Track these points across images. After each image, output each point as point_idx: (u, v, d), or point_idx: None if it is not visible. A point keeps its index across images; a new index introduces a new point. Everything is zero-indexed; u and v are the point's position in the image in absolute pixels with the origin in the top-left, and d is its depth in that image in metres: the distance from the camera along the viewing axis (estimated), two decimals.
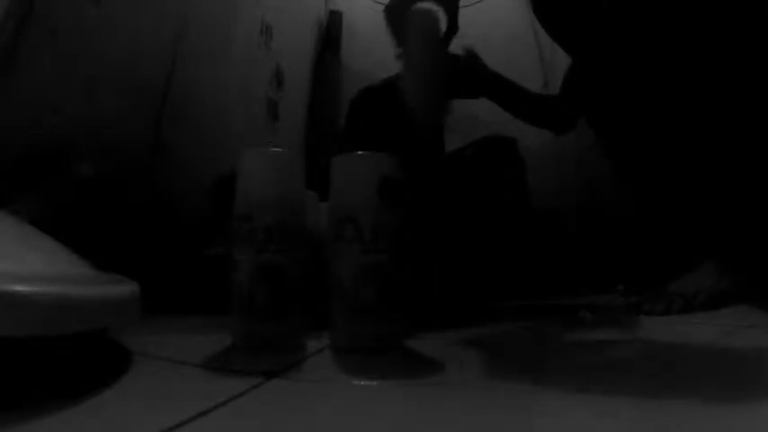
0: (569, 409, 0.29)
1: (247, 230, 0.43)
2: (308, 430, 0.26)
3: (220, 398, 0.29)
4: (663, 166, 0.74)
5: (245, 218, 0.44)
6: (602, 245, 1.03)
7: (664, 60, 0.65)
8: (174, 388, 0.33)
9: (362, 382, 0.35)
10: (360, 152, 0.46)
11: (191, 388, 0.33)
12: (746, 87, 0.64)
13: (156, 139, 0.80)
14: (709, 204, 0.71)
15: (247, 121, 1.06)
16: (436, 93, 0.72)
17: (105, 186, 0.66)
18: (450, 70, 0.80)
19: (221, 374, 0.37)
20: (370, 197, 0.44)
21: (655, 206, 0.81)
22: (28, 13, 0.58)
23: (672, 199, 0.76)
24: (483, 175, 0.79)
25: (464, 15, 1.49)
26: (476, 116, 1.29)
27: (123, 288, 0.35)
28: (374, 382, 0.35)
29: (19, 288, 0.25)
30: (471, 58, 0.87)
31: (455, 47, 0.83)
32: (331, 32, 1.47)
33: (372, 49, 1.48)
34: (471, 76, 0.86)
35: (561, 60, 0.90)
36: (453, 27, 0.77)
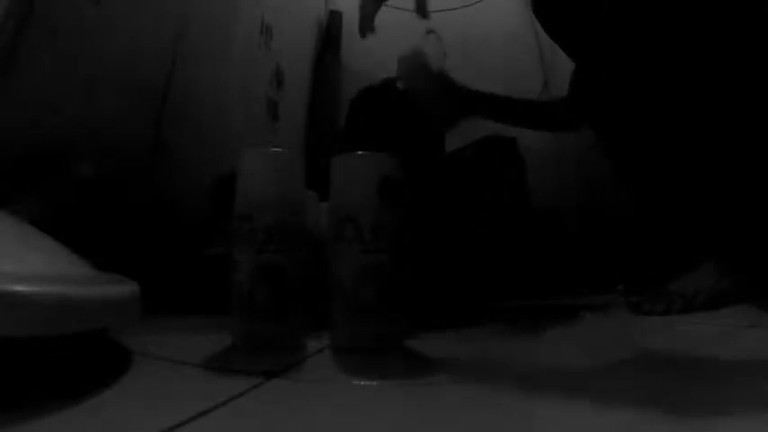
0: (569, 409, 0.29)
1: (247, 230, 0.43)
2: (308, 430, 0.26)
3: (220, 398, 0.29)
4: (663, 167, 0.74)
5: (245, 218, 0.44)
6: (602, 245, 1.03)
7: (664, 61, 0.65)
8: (174, 388, 0.33)
9: (362, 382, 0.35)
10: (360, 152, 0.46)
11: (191, 388, 0.33)
12: (746, 87, 0.64)
13: (156, 139, 0.80)
14: (708, 204, 0.71)
15: (247, 121, 1.06)
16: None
17: (105, 186, 0.66)
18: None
19: (221, 374, 0.37)
20: (370, 197, 0.44)
21: (655, 206, 0.81)
22: (28, 13, 0.58)
23: (672, 199, 0.76)
24: (483, 175, 0.79)
25: (464, 15, 1.49)
26: None
27: (123, 288, 0.35)
28: (374, 382, 0.35)
29: (19, 288, 0.25)
30: (444, 80, 0.86)
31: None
32: (331, 32, 1.47)
33: (372, 49, 1.48)
34: (447, 99, 0.84)
35: (561, 60, 0.90)
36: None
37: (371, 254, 0.43)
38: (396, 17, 1.51)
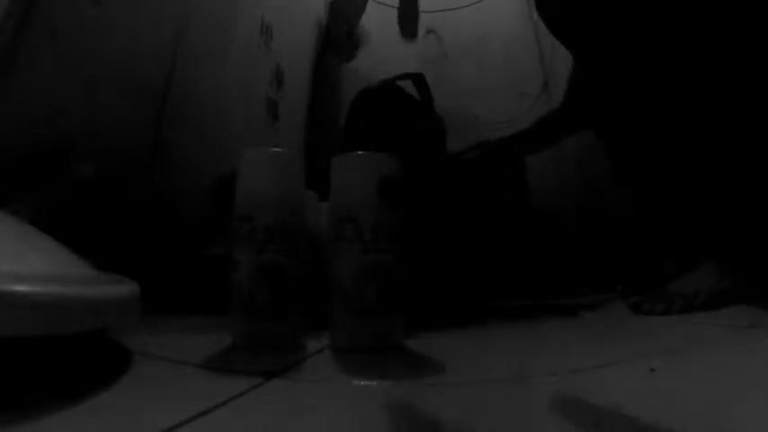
0: (569, 410, 0.29)
1: (247, 230, 0.43)
2: (308, 430, 0.26)
3: (220, 398, 0.29)
4: (663, 167, 0.74)
5: (245, 218, 0.44)
6: (602, 245, 1.03)
7: (664, 61, 0.65)
8: (174, 388, 0.33)
9: (362, 382, 0.35)
10: (360, 152, 0.46)
11: (191, 388, 0.33)
12: (746, 87, 0.64)
13: (156, 139, 0.80)
14: (708, 204, 0.71)
15: (247, 121, 1.06)
16: None
17: (105, 186, 0.66)
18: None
19: (221, 374, 0.37)
20: (370, 197, 0.44)
21: (655, 206, 0.81)
22: (28, 13, 0.58)
23: (672, 199, 0.76)
24: (483, 175, 0.79)
25: (464, 15, 1.49)
26: (476, 116, 1.30)
27: (123, 288, 0.35)
28: (374, 382, 0.35)
29: (19, 288, 0.25)
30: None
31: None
32: (331, 32, 1.47)
33: (372, 48, 1.48)
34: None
35: (561, 60, 0.90)
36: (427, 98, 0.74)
37: (371, 254, 0.43)
38: (396, 17, 1.51)
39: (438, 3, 1.50)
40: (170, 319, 0.55)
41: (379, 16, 1.50)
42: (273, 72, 1.18)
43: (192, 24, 0.88)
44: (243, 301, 0.43)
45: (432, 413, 0.28)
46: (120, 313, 0.33)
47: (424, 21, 1.50)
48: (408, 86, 0.79)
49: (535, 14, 0.72)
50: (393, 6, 1.51)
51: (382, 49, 1.45)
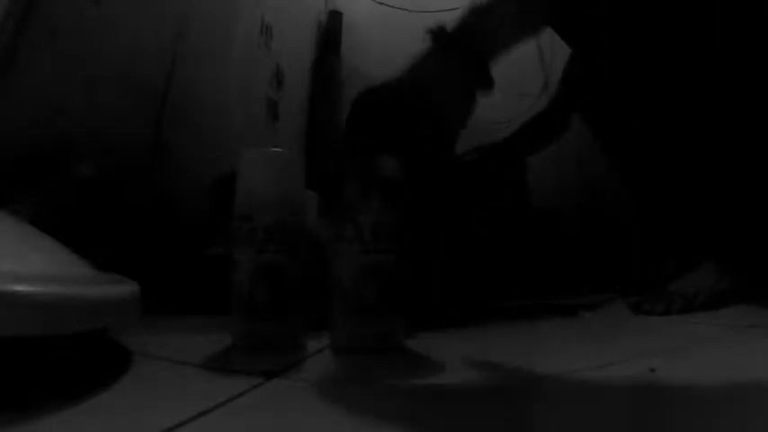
0: (569, 410, 0.29)
1: (247, 230, 0.43)
2: (308, 430, 0.26)
3: (220, 398, 0.29)
4: (663, 166, 0.74)
5: (245, 218, 0.44)
6: (602, 245, 1.03)
7: (664, 60, 0.65)
8: (174, 388, 0.33)
9: (362, 383, 0.35)
10: (359, 152, 0.46)
11: (191, 388, 0.33)
12: (746, 87, 0.64)
13: (156, 139, 0.80)
14: (709, 204, 0.71)
15: (247, 121, 1.06)
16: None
17: (105, 186, 0.66)
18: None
19: (221, 374, 0.37)
20: (370, 197, 0.44)
21: (655, 206, 0.81)
22: (28, 13, 0.58)
23: (672, 199, 0.76)
24: (483, 176, 0.79)
25: None
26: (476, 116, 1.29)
27: (123, 288, 0.35)
28: (374, 383, 0.35)
29: (19, 288, 0.25)
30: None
31: None
32: (331, 32, 1.47)
33: (373, 49, 1.48)
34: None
35: (561, 60, 0.90)
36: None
37: (371, 254, 0.43)
38: (396, 17, 1.51)
39: (438, 3, 1.50)
40: (170, 319, 0.55)
41: (379, 16, 1.50)
42: (273, 72, 1.18)
43: (192, 24, 0.88)
44: (243, 301, 0.43)
45: (432, 413, 0.28)
46: (120, 313, 0.33)
47: (424, 21, 1.50)
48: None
49: None
50: (393, 6, 1.51)
51: (382, 49, 1.44)
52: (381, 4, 1.50)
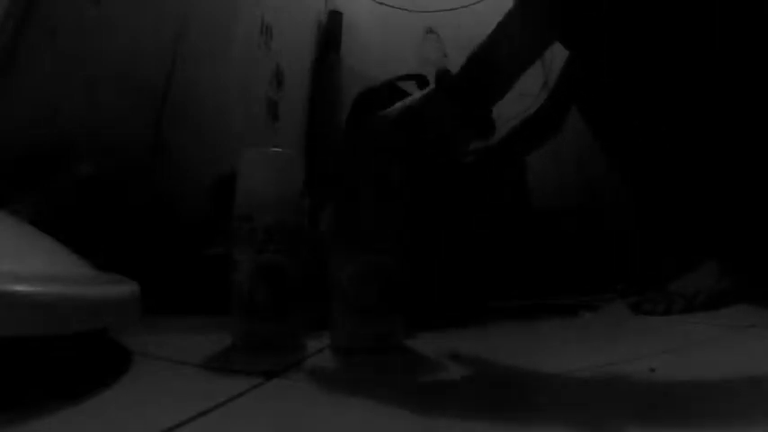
0: (569, 410, 0.29)
1: (247, 230, 0.43)
2: (308, 430, 0.26)
3: (220, 398, 0.29)
4: (663, 166, 0.74)
5: (245, 218, 0.44)
6: (603, 244, 1.03)
7: (664, 60, 0.65)
8: (174, 388, 0.33)
9: (362, 383, 0.35)
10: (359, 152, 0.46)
11: (191, 388, 0.33)
12: (747, 87, 0.64)
13: (156, 139, 0.80)
14: (709, 204, 0.71)
15: (247, 121, 1.06)
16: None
17: (105, 186, 0.66)
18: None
19: (221, 374, 0.37)
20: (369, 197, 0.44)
21: (654, 206, 0.81)
22: (28, 13, 0.58)
23: (671, 199, 0.76)
24: (483, 176, 0.79)
25: (464, 15, 1.49)
26: None
27: (123, 288, 0.35)
28: (374, 383, 0.35)
29: (19, 288, 0.25)
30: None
31: None
32: (331, 32, 1.47)
33: (373, 49, 1.48)
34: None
35: (561, 60, 0.90)
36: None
37: (371, 254, 0.43)
38: (396, 17, 1.51)
39: (438, 3, 1.50)
40: (170, 319, 0.55)
41: (379, 16, 1.50)
42: (273, 72, 1.18)
43: (192, 24, 0.88)
44: (243, 301, 0.43)
45: (432, 413, 0.28)
46: (120, 313, 0.33)
47: (424, 21, 1.50)
48: (409, 87, 0.79)
49: None
50: (393, 6, 1.51)
51: (382, 49, 1.44)
52: (381, 4, 1.50)
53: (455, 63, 0.63)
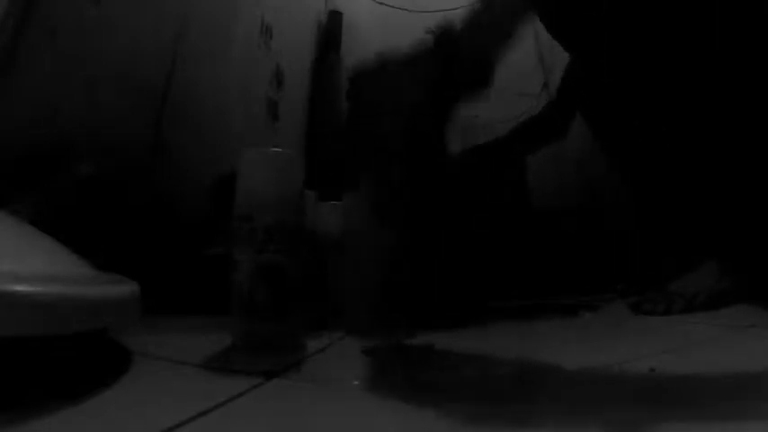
0: (569, 410, 0.29)
1: (247, 230, 0.43)
2: (308, 430, 0.26)
3: (220, 398, 0.29)
4: (663, 166, 0.74)
5: (245, 218, 0.44)
6: (602, 244, 1.03)
7: (664, 60, 0.65)
8: (174, 388, 0.33)
9: (362, 383, 0.35)
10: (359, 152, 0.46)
11: (191, 388, 0.33)
12: (747, 87, 0.64)
13: (156, 139, 0.80)
14: (709, 204, 0.71)
15: (247, 121, 1.06)
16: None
17: (105, 186, 0.66)
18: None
19: (221, 374, 0.37)
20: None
21: (654, 206, 0.81)
22: (28, 13, 0.58)
23: (672, 199, 0.76)
24: (483, 176, 0.79)
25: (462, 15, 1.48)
26: (476, 116, 1.30)
27: (123, 288, 0.35)
28: (374, 382, 0.35)
29: (19, 288, 0.25)
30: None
31: None
32: (331, 32, 1.47)
33: (373, 49, 1.48)
34: None
35: (561, 60, 0.90)
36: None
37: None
38: (396, 17, 1.51)
39: (438, 3, 1.50)
40: (170, 319, 0.55)
41: (379, 16, 1.50)
42: (273, 72, 1.18)
43: (192, 24, 0.88)
44: (243, 301, 0.43)
45: (431, 413, 0.28)
46: (120, 313, 0.33)
47: (424, 21, 1.50)
48: None
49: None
50: (393, 6, 1.51)
51: (382, 49, 1.44)
52: (381, 4, 1.50)
53: None
